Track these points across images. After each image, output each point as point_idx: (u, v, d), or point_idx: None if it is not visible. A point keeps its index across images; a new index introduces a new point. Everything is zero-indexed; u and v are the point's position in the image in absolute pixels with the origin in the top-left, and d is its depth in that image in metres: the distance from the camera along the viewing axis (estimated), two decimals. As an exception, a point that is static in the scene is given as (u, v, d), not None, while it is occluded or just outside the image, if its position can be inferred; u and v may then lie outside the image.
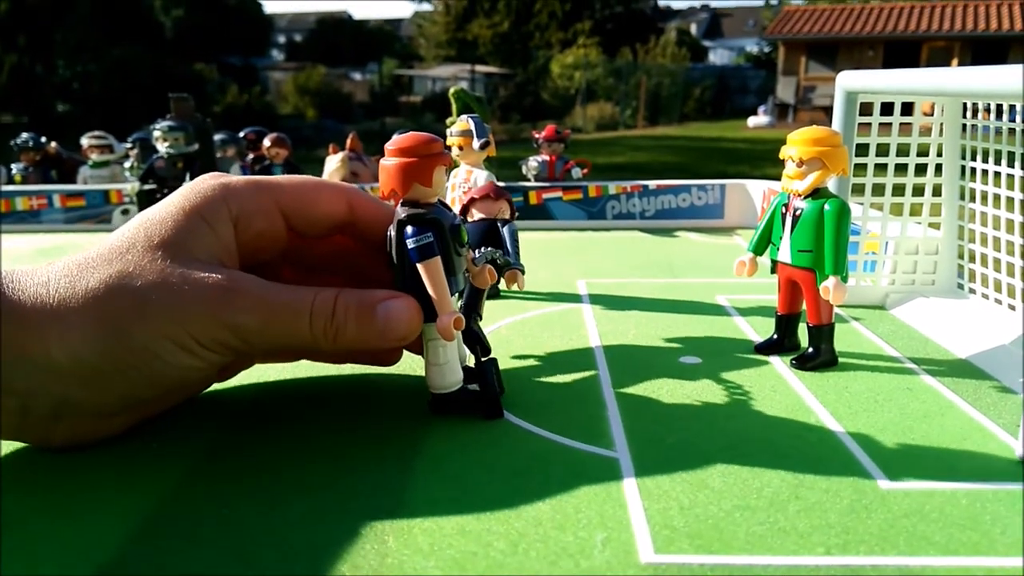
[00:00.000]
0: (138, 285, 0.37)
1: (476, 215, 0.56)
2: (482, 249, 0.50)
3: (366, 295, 0.40)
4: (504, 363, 0.52)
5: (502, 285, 0.54)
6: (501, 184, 0.75)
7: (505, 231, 0.54)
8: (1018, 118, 0.56)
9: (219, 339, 0.38)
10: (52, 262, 0.39)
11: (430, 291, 0.40)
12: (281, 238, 0.44)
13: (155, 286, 0.37)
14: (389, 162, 0.41)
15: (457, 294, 0.43)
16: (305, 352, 0.49)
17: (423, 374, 0.44)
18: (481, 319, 0.51)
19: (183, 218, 0.40)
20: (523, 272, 0.52)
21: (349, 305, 0.40)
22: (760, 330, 0.60)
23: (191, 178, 1.08)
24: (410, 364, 0.51)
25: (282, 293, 0.39)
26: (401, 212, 0.41)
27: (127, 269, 0.38)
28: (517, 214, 0.59)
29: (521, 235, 0.54)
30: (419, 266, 0.40)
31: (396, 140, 0.41)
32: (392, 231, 0.41)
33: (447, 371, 0.43)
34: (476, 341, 0.48)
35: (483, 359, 0.46)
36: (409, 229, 0.40)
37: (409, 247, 0.40)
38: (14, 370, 0.35)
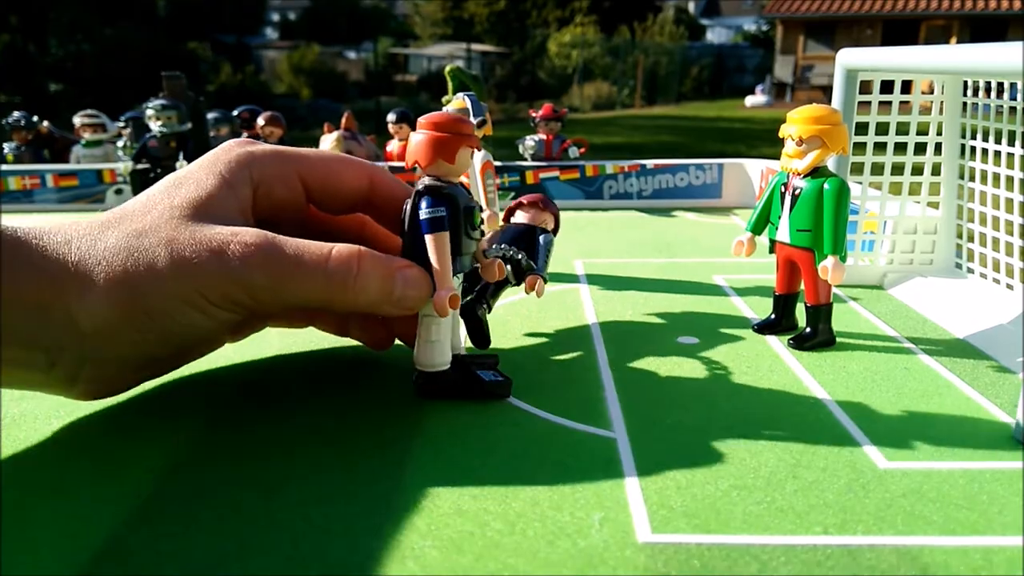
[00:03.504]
0: (151, 244, 0.38)
1: (520, 218, 0.56)
2: (503, 245, 0.50)
3: (387, 258, 0.41)
4: (502, 343, 0.52)
5: (519, 288, 0.54)
6: (498, 164, 0.74)
7: (541, 239, 0.54)
8: (1019, 96, 0.56)
9: (230, 296, 0.38)
10: (77, 221, 0.39)
11: (433, 263, 0.40)
12: (301, 209, 0.45)
13: (167, 244, 0.38)
14: (418, 135, 0.41)
15: (461, 276, 0.43)
16: (315, 316, 0.49)
17: None
18: (490, 311, 0.50)
19: (206, 180, 0.41)
20: (545, 281, 0.51)
21: (376, 263, 0.40)
22: (758, 310, 0.60)
23: (184, 158, 1.08)
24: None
25: (295, 245, 0.39)
26: (420, 184, 0.41)
27: (143, 228, 0.38)
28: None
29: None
30: (427, 238, 0.40)
31: (428, 115, 0.42)
32: (408, 203, 0.42)
33: (438, 349, 0.42)
34: (479, 332, 0.48)
35: (481, 354, 0.46)
36: (425, 200, 0.41)
37: (422, 217, 0.40)
38: (39, 325, 0.36)
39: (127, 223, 0.38)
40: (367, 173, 0.45)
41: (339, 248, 0.40)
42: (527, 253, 0.52)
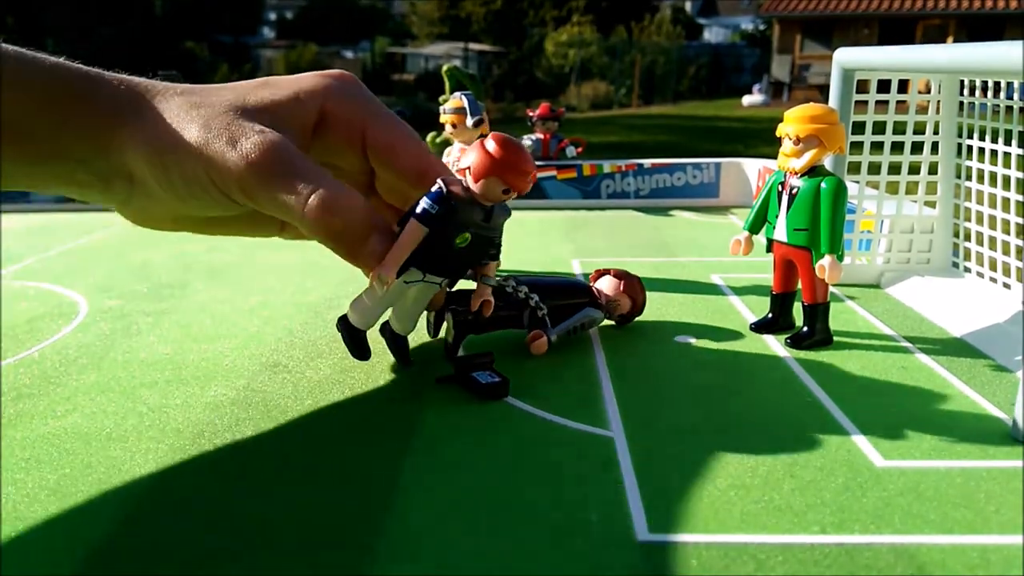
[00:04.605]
0: (192, 118, 0.39)
1: (601, 284, 0.55)
2: (524, 287, 0.50)
3: (377, 217, 0.41)
4: (499, 344, 0.52)
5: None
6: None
7: (585, 311, 0.52)
8: (1015, 95, 0.56)
9: (226, 186, 0.39)
10: (159, 83, 0.42)
11: (398, 242, 0.41)
12: (354, 166, 0.46)
13: (203, 121, 0.39)
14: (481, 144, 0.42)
15: (435, 279, 0.44)
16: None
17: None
18: (475, 329, 0.50)
19: (283, 90, 0.43)
20: (550, 343, 0.50)
21: (365, 213, 0.40)
22: (755, 309, 0.60)
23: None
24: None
25: (304, 161, 0.40)
26: (447, 179, 0.42)
27: (201, 103, 0.40)
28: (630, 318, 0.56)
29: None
30: (411, 220, 0.41)
31: (502, 135, 0.42)
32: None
33: (366, 311, 0.45)
34: (453, 349, 0.49)
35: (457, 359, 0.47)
36: (435, 192, 0.41)
37: (420, 203, 0.41)
38: (98, 157, 0.40)
39: (196, 97, 0.41)
40: (425, 161, 0.46)
41: (343, 184, 0.40)
42: (561, 313, 0.51)
